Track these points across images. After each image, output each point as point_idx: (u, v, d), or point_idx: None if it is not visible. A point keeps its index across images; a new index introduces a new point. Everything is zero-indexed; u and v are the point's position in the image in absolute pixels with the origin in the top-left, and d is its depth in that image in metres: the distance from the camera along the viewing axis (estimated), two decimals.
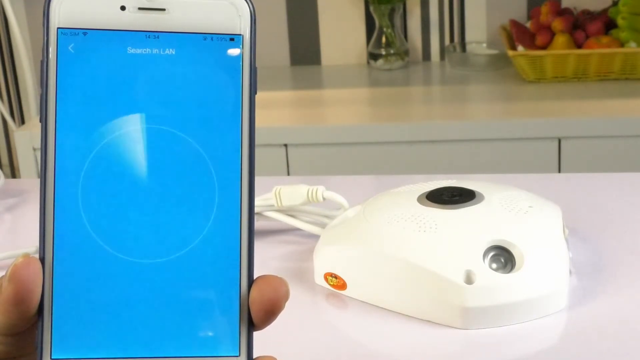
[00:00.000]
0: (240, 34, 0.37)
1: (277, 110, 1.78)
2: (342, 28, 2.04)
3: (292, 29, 2.05)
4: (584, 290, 0.69)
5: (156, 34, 0.37)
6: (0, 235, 0.88)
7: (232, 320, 0.37)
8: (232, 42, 0.37)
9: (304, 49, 2.06)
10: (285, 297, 0.37)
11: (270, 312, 0.37)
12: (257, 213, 0.80)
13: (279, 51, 2.06)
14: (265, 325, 0.37)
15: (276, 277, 0.37)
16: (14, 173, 2.15)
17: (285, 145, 1.64)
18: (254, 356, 0.37)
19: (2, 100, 2.09)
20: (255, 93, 0.37)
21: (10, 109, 2.13)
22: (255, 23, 0.37)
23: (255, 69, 0.37)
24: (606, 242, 0.77)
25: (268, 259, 0.77)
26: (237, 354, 0.36)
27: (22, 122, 2.14)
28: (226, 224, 0.37)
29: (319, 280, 0.72)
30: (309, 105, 1.83)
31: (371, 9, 1.97)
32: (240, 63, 0.37)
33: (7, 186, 0.96)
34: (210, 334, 0.36)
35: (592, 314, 0.66)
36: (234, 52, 0.37)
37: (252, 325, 0.37)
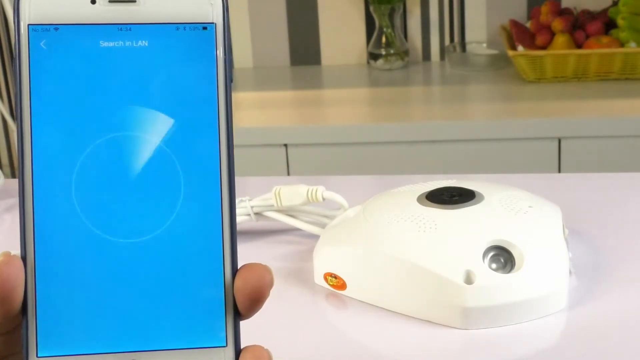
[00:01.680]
0: (212, 22, 0.37)
1: (277, 110, 1.78)
2: (342, 28, 2.04)
3: (292, 29, 2.05)
4: (584, 290, 0.69)
5: (128, 26, 0.36)
6: (0, 235, 0.88)
7: (217, 310, 0.36)
8: (204, 30, 0.37)
9: (304, 49, 2.06)
10: (270, 284, 0.36)
11: (256, 300, 0.36)
12: (257, 213, 0.80)
13: (279, 51, 2.07)
14: (251, 314, 0.37)
15: (260, 264, 0.37)
16: (14, 173, 2.15)
17: (285, 145, 1.64)
18: (242, 346, 0.37)
19: (2, 100, 2.09)
20: (232, 81, 0.37)
21: (10, 109, 2.13)
22: (227, 11, 0.37)
23: (231, 56, 0.37)
24: (606, 242, 0.77)
25: (268, 259, 0.77)
26: (224, 344, 0.36)
27: None
28: (207, 215, 0.37)
29: (319, 280, 0.72)
30: (309, 105, 1.83)
31: (371, 9, 1.97)
32: (214, 51, 0.37)
33: (7, 186, 0.96)
34: (196, 325, 0.36)
35: (592, 314, 0.66)
36: (207, 40, 0.37)
37: (238, 315, 0.37)
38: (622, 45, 1.80)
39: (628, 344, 0.62)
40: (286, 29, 2.05)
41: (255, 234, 0.82)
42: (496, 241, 0.66)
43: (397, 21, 1.99)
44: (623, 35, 1.81)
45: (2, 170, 1.19)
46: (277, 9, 2.04)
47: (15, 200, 0.93)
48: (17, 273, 0.35)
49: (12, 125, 1.92)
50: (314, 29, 2.05)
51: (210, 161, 0.37)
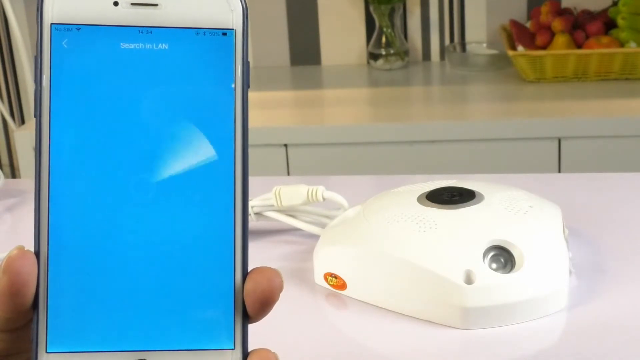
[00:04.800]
0: (232, 29, 0.37)
1: (277, 110, 1.78)
2: (342, 28, 2.04)
3: (292, 29, 2.05)
4: (584, 290, 0.69)
5: (149, 29, 0.37)
6: (0, 235, 0.88)
7: (227, 313, 0.37)
8: (224, 36, 0.37)
9: (304, 49, 2.06)
10: (280, 288, 0.37)
11: (265, 304, 0.37)
12: (257, 213, 0.80)
13: (279, 51, 2.07)
14: (261, 317, 0.37)
15: (270, 268, 0.37)
16: (14, 173, 2.15)
17: (285, 145, 1.64)
18: (249, 349, 0.37)
19: (2, 100, 2.09)
20: (248, 87, 0.37)
21: (10, 109, 2.13)
22: (247, 18, 0.38)
23: (248, 63, 0.37)
24: (606, 242, 0.77)
25: (268, 259, 0.77)
26: (232, 347, 0.37)
27: (22, 122, 2.14)
28: (220, 217, 0.37)
29: (319, 280, 0.72)
30: (309, 105, 1.83)
31: (371, 9, 1.97)
32: (233, 57, 0.37)
33: (7, 186, 0.96)
34: (205, 327, 0.36)
35: (592, 314, 0.66)
36: (226, 46, 0.37)
37: (247, 318, 0.37)
38: (622, 45, 1.80)
39: (628, 344, 0.62)
40: (286, 29, 2.05)
41: (255, 234, 0.82)
42: (496, 241, 0.66)
43: (397, 21, 1.99)
44: (623, 35, 1.81)
45: (2, 170, 1.19)
46: (277, 9, 2.04)
47: (15, 200, 0.93)
48: (30, 267, 0.35)
49: (12, 125, 1.92)
50: (314, 29, 2.05)
51: (225, 166, 0.37)
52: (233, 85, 0.37)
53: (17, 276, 0.35)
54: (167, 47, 0.37)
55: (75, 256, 0.36)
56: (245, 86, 0.37)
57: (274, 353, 0.37)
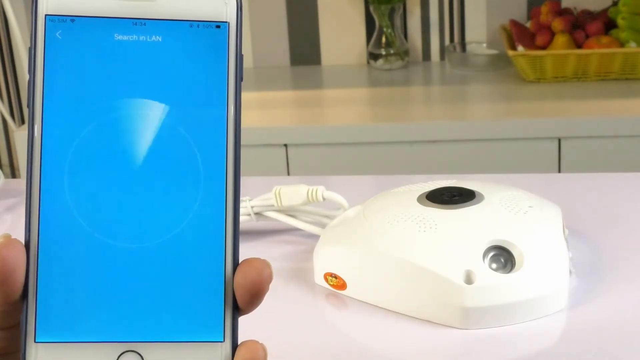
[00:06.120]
0: (226, 22, 0.38)
1: (277, 110, 1.78)
2: (342, 28, 2.04)
3: (292, 29, 2.05)
4: (584, 290, 0.69)
5: (143, 21, 0.37)
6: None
7: (216, 305, 0.37)
8: (218, 29, 0.38)
9: (304, 49, 2.06)
10: (269, 278, 0.37)
11: (255, 295, 0.37)
12: (257, 213, 0.80)
13: (279, 51, 2.07)
14: (251, 309, 0.37)
15: (259, 259, 0.37)
16: (14, 173, 2.15)
17: (285, 145, 1.64)
18: (239, 342, 0.37)
19: (2, 100, 2.09)
20: (242, 80, 0.38)
21: (10, 109, 2.13)
22: (241, 10, 0.38)
23: (242, 56, 0.38)
24: (606, 242, 0.77)
25: (268, 259, 0.77)
26: (222, 340, 0.37)
27: (22, 122, 2.14)
28: (211, 209, 0.37)
29: (319, 280, 0.72)
30: (309, 105, 1.83)
31: (371, 9, 1.97)
32: (227, 50, 0.37)
33: (7, 186, 0.96)
34: (194, 319, 0.36)
35: (592, 314, 0.66)
36: (220, 39, 0.37)
37: (237, 311, 0.37)
38: (622, 45, 1.80)
39: (628, 344, 0.62)
40: (286, 29, 2.05)
41: (255, 234, 0.82)
42: (496, 241, 0.66)
43: (397, 21, 1.99)
44: (623, 35, 1.81)
45: (2, 170, 1.19)
46: (277, 9, 2.04)
47: (15, 200, 0.93)
48: (17, 255, 0.35)
49: (12, 125, 1.92)
50: (314, 29, 2.05)
51: (217, 158, 0.37)
52: (226, 78, 0.37)
53: (5, 264, 0.35)
54: (160, 39, 0.37)
55: (65, 246, 0.36)
56: (239, 79, 0.38)
57: (262, 344, 0.37)
